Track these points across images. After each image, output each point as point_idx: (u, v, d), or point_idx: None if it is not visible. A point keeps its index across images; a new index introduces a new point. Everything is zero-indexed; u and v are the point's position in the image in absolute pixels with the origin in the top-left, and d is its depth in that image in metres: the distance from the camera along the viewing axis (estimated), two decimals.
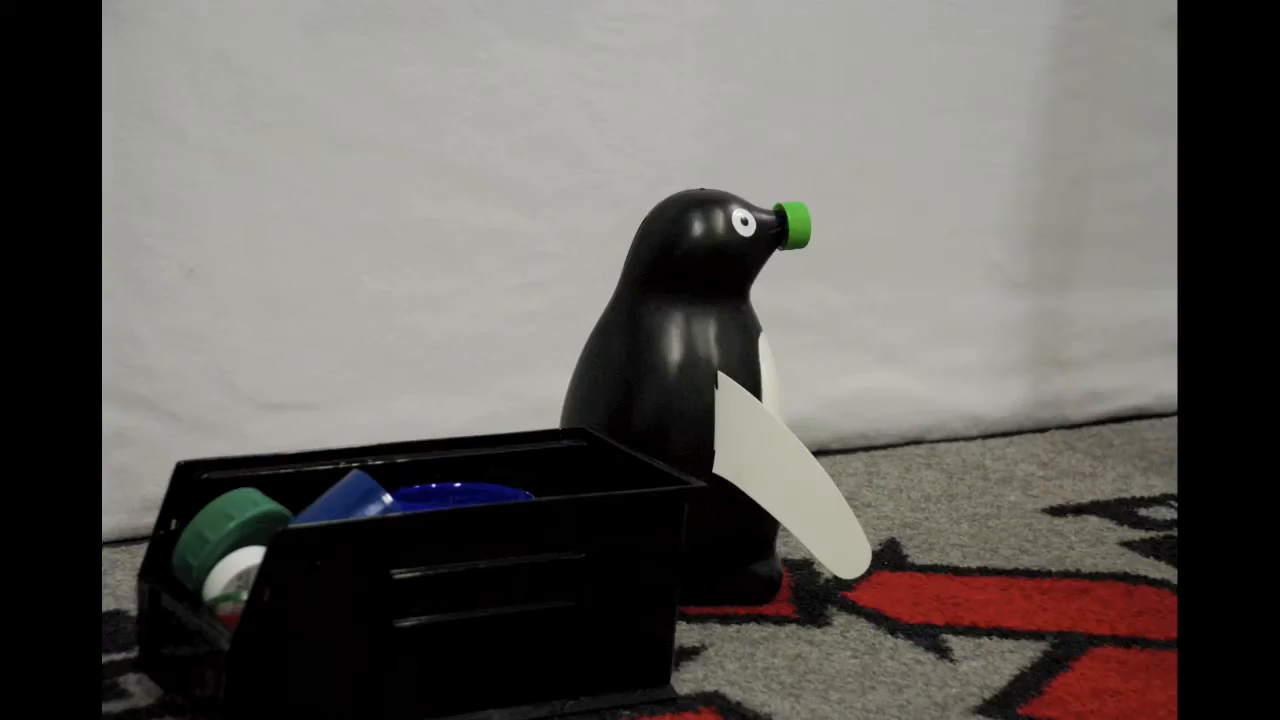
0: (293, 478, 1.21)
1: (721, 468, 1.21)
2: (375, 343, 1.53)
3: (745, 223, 1.21)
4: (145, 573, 1.14)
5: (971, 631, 1.27)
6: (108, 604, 1.30)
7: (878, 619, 1.29)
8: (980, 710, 1.12)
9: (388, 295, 1.53)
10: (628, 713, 1.11)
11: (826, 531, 1.24)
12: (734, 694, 1.14)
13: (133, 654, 1.19)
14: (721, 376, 1.21)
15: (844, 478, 1.55)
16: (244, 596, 1.07)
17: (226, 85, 1.46)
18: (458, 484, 1.23)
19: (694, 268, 1.22)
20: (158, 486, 1.21)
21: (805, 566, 1.37)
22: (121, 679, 1.16)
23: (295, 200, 1.47)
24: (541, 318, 1.54)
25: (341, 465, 1.21)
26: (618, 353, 1.25)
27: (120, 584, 1.34)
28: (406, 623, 1.05)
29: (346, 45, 1.49)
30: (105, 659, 1.21)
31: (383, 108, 1.50)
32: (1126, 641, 1.24)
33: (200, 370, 1.48)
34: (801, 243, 1.25)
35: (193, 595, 1.13)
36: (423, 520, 1.11)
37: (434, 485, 1.23)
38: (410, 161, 1.50)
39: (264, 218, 1.47)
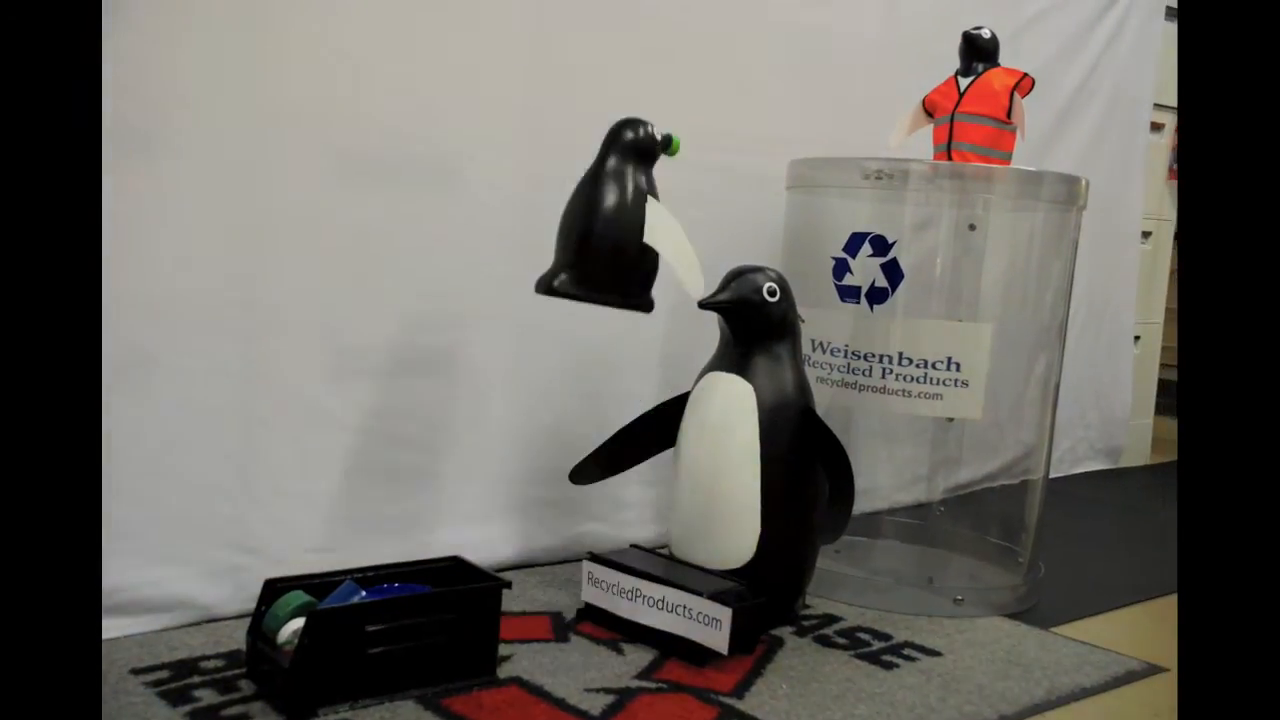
0: (318, 585, 1.70)
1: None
2: (357, 516, 2.02)
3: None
4: (250, 630, 1.64)
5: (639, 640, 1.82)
6: (233, 645, 1.72)
7: (609, 643, 1.86)
8: (639, 675, 1.68)
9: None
10: (476, 686, 1.64)
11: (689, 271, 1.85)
12: (527, 677, 1.72)
13: (243, 669, 1.65)
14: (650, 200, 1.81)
15: None
16: (296, 641, 1.53)
17: None
18: (396, 584, 1.73)
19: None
20: (256, 588, 1.69)
21: (556, 613, 1.91)
22: (238, 682, 1.60)
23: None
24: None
25: (340, 579, 1.72)
26: None
27: (238, 636, 1.75)
28: (373, 651, 1.55)
29: None
30: (230, 673, 1.61)
31: None
32: None
33: (281, 538, 1.94)
34: (675, 152, 1.85)
35: (271, 641, 1.60)
36: (380, 603, 1.61)
37: (384, 586, 1.71)
38: None
39: None
